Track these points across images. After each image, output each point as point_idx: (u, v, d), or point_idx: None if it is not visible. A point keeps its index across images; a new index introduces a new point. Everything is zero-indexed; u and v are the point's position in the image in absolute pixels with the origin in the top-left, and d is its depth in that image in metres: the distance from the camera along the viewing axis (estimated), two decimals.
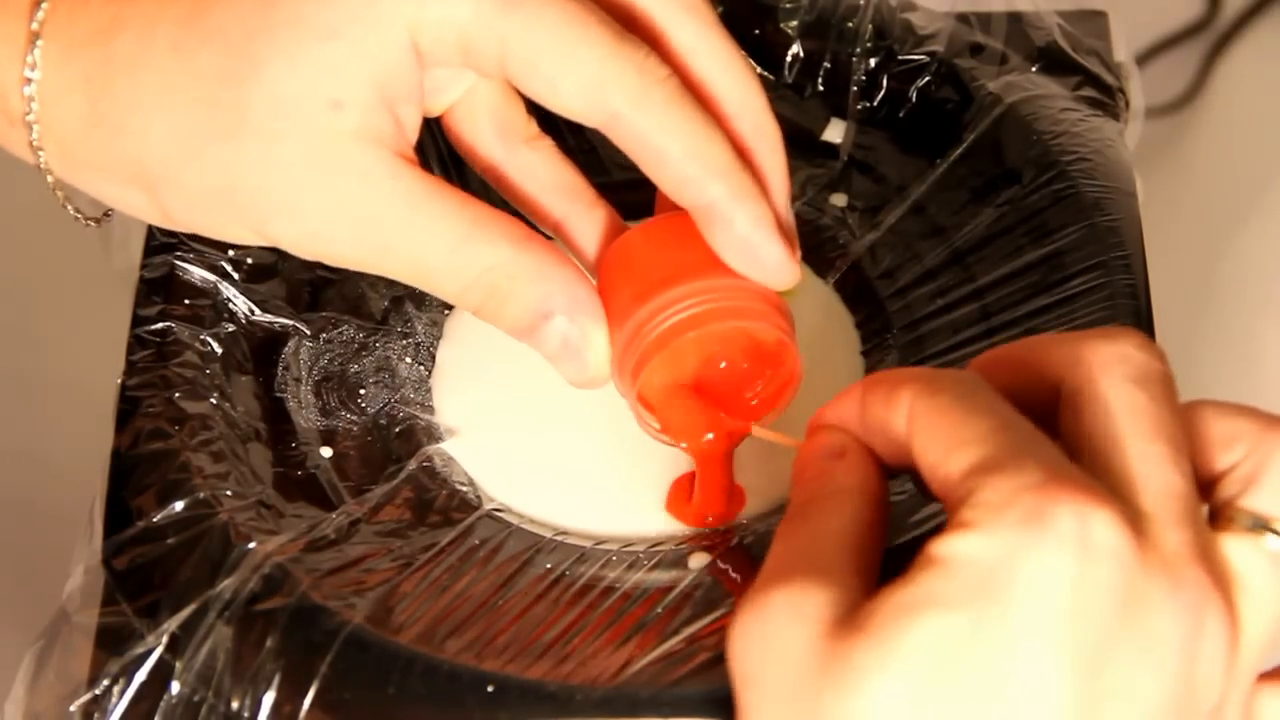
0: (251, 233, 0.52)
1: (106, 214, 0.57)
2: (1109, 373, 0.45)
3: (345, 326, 0.62)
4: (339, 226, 0.51)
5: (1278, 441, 0.44)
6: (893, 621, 0.42)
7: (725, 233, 0.51)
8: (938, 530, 0.43)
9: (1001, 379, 0.46)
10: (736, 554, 0.56)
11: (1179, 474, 0.43)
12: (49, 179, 0.53)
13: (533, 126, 0.56)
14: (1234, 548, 0.44)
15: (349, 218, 0.51)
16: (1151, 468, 0.43)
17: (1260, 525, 0.44)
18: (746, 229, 0.51)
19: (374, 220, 0.51)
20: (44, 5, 0.51)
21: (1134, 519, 0.42)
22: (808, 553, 0.45)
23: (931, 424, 0.45)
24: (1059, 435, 0.45)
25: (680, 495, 0.58)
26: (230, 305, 0.61)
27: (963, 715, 0.41)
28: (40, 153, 0.52)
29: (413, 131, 0.52)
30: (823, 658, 0.42)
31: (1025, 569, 0.41)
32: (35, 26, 0.51)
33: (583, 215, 0.55)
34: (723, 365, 0.55)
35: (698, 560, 0.56)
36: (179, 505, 0.55)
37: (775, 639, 0.43)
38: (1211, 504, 0.45)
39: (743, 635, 0.44)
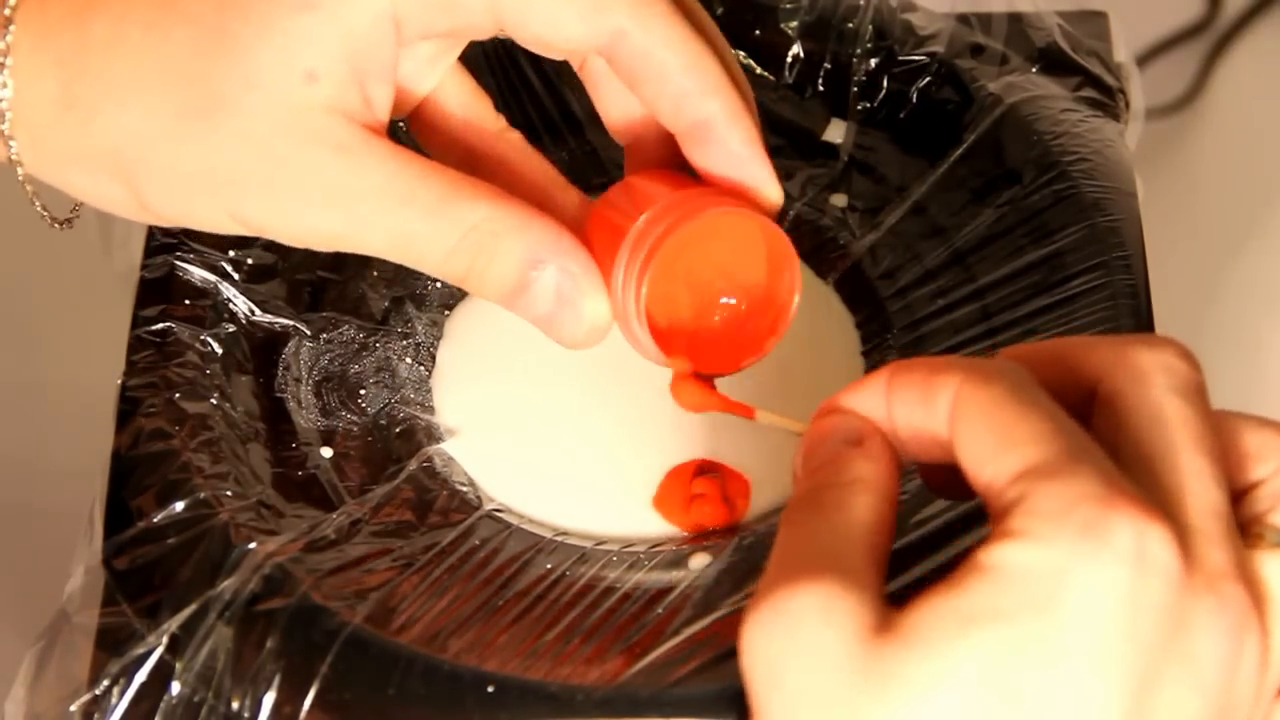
0: (228, 216, 0.51)
1: (72, 213, 0.56)
2: (1153, 381, 0.44)
3: (345, 327, 0.62)
4: (315, 200, 0.50)
5: None
6: (943, 633, 0.40)
7: (719, 149, 0.52)
8: (969, 533, 0.42)
9: (1034, 376, 0.45)
10: (738, 555, 0.56)
11: (1220, 490, 0.43)
12: (19, 172, 0.52)
13: (501, 120, 0.56)
14: (1265, 564, 0.43)
15: (325, 190, 0.50)
16: (1197, 483, 0.42)
17: None
18: (740, 145, 0.52)
19: (351, 190, 0.50)
20: None
21: (1180, 535, 0.41)
22: (831, 549, 0.43)
23: (981, 418, 0.44)
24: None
25: (670, 495, 0.58)
26: (230, 305, 0.61)
27: None
28: (12, 142, 0.51)
29: (384, 111, 0.51)
30: (862, 666, 0.41)
31: (1082, 583, 0.40)
32: (8, 12, 0.50)
33: (557, 200, 0.55)
34: (723, 301, 0.54)
35: (698, 561, 0.56)
36: (179, 506, 0.55)
37: (805, 643, 0.42)
38: (1241, 518, 0.44)
39: (764, 635, 0.42)
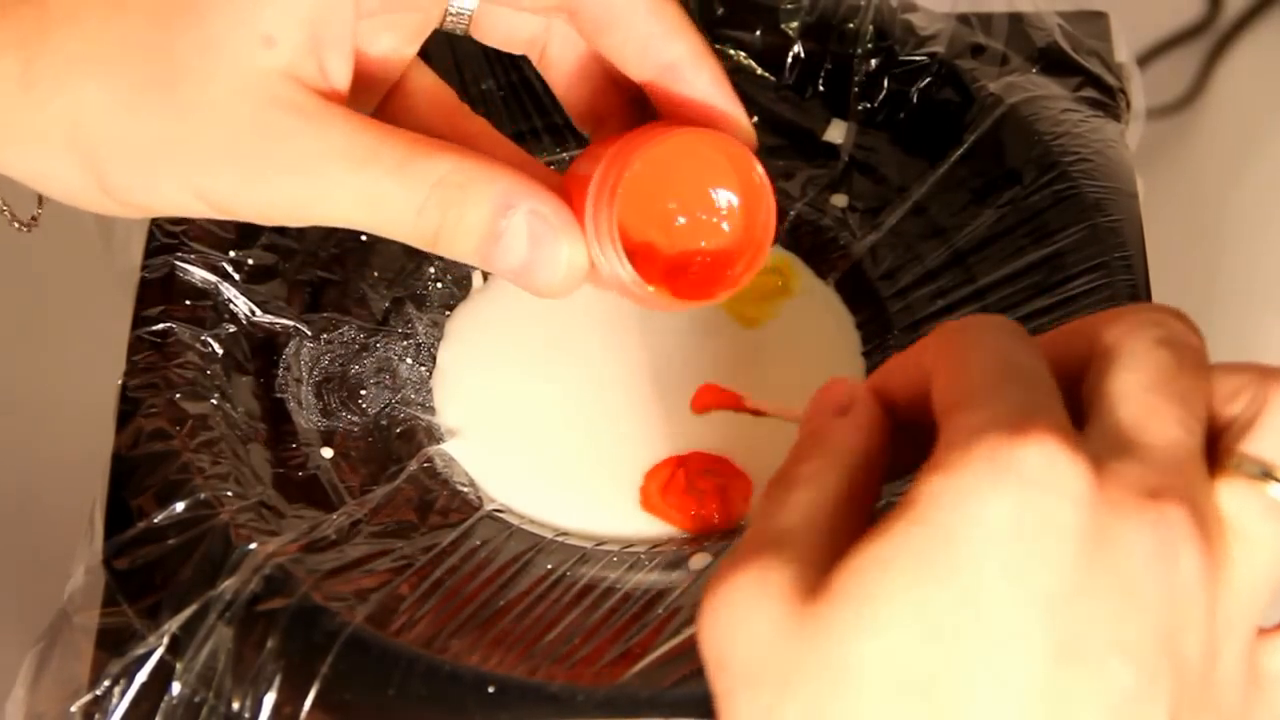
0: (191, 193, 0.50)
1: (35, 215, 0.56)
2: (1140, 334, 0.44)
3: (346, 327, 0.62)
4: (278, 166, 0.49)
5: (1275, 387, 0.44)
6: (865, 581, 0.41)
7: (688, 90, 0.52)
8: None
9: (1049, 352, 0.45)
10: None
11: (1182, 429, 0.42)
12: None
13: (466, 108, 0.55)
14: (1230, 494, 0.42)
15: (287, 153, 0.49)
16: (1154, 419, 0.42)
17: (1263, 473, 0.42)
18: (709, 84, 0.52)
19: (313, 153, 0.49)
20: None
21: (1117, 464, 0.41)
22: (782, 528, 0.43)
23: (947, 356, 0.44)
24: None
25: (651, 494, 0.58)
26: (231, 306, 0.61)
27: (941, 668, 0.40)
28: None
29: (341, 83, 0.50)
30: (793, 630, 0.41)
31: (984, 510, 0.40)
32: None
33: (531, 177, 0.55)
34: (698, 233, 0.52)
35: (698, 561, 0.56)
36: (180, 506, 0.55)
37: (742, 620, 0.42)
38: (1215, 454, 0.43)
39: (710, 620, 0.43)
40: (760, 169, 0.51)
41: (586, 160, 0.52)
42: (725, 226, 0.51)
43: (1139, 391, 0.43)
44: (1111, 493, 0.41)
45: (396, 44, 0.53)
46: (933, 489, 0.41)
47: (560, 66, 0.55)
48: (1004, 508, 0.40)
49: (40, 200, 0.56)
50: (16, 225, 0.55)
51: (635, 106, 0.54)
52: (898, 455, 0.46)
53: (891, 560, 0.40)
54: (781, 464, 0.46)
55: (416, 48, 0.54)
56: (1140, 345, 0.43)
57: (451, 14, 0.54)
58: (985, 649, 0.40)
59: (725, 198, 0.52)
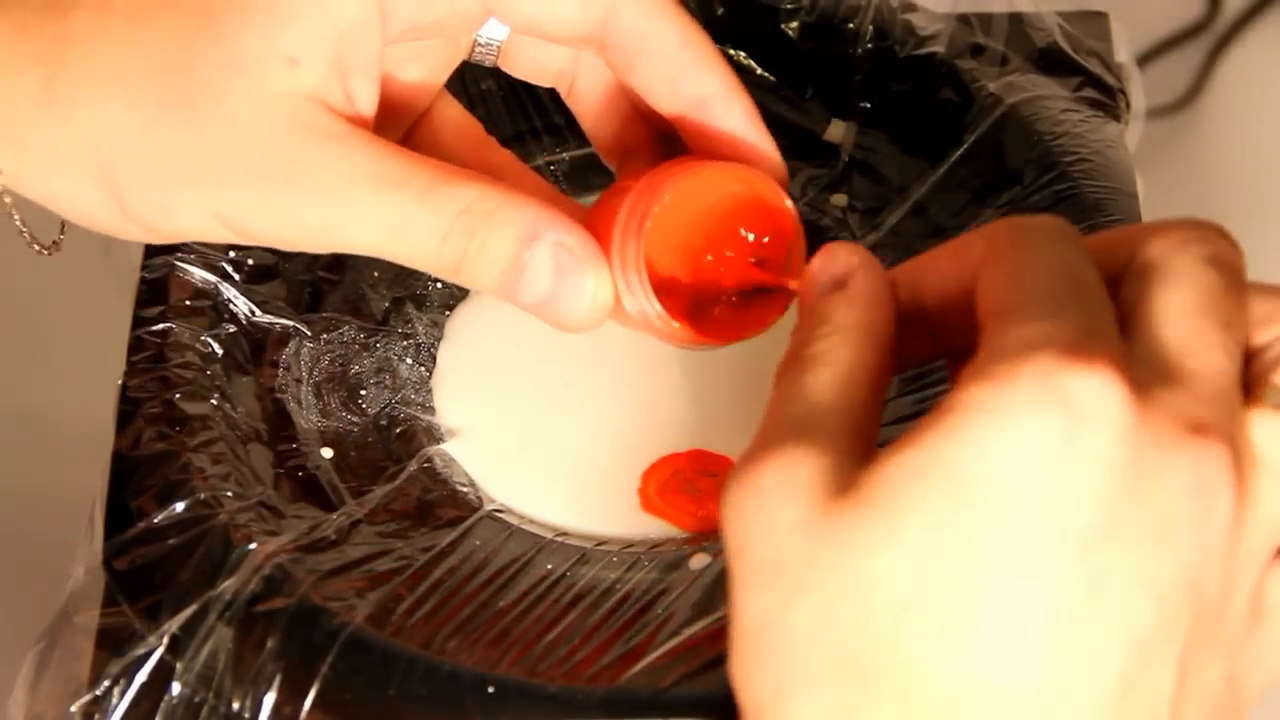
0: (212, 215, 0.49)
1: (60, 237, 0.55)
2: (1187, 250, 0.43)
3: (346, 327, 0.62)
4: (301, 189, 0.48)
5: None
6: (896, 489, 0.40)
7: (719, 125, 0.51)
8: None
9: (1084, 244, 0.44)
10: None
11: (1226, 357, 0.41)
12: None
13: (493, 140, 0.55)
14: (1262, 427, 0.42)
15: (310, 177, 0.48)
16: (1200, 344, 0.41)
17: None
18: (740, 120, 0.51)
19: (338, 176, 0.48)
20: None
21: (1161, 392, 0.40)
22: (798, 413, 0.42)
23: (1002, 258, 0.42)
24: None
25: (648, 494, 0.58)
26: (231, 306, 0.61)
27: (961, 590, 0.39)
28: None
29: (367, 109, 0.50)
30: (817, 531, 0.40)
31: (1026, 434, 0.39)
32: None
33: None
34: (726, 254, 0.51)
35: (698, 561, 0.56)
36: (179, 506, 0.55)
37: (765, 511, 0.41)
38: (1244, 381, 0.42)
39: (732, 507, 0.42)
40: (792, 207, 0.50)
41: (613, 194, 0.51)
42: (754, 263, 0.51)
43: (1185, 313, 0.42)
44: (1155, 423, 0.40)
45: (424, 74, 0.53)
46: (975, 399, 0.40)
47: (588, 100, 0.54)
48: (1049, 434, 0.39)
49: (63, 225, 0.54)
50: (37, 248, 0.54)
51: (663, 141, 0.53)
52: (908, 344, 0.45)
53: (923, 472, 0.40)
54: (789, 346, 0.45)
55: (444, 78, 0.54)
56: (1186, 262, 0.42)
57: (480, 45, 0.53)
58: (1011, 576, 0.39)
59: (755, 235, 0.51)
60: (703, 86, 0.51)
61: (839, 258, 0.46)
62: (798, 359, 0.44)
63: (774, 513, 0.41)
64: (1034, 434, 0.39)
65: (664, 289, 0.50)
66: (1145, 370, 0.41)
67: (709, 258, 0.51)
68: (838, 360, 0.43)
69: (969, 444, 0.39)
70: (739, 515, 0.42)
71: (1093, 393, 0.39)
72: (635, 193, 0.50)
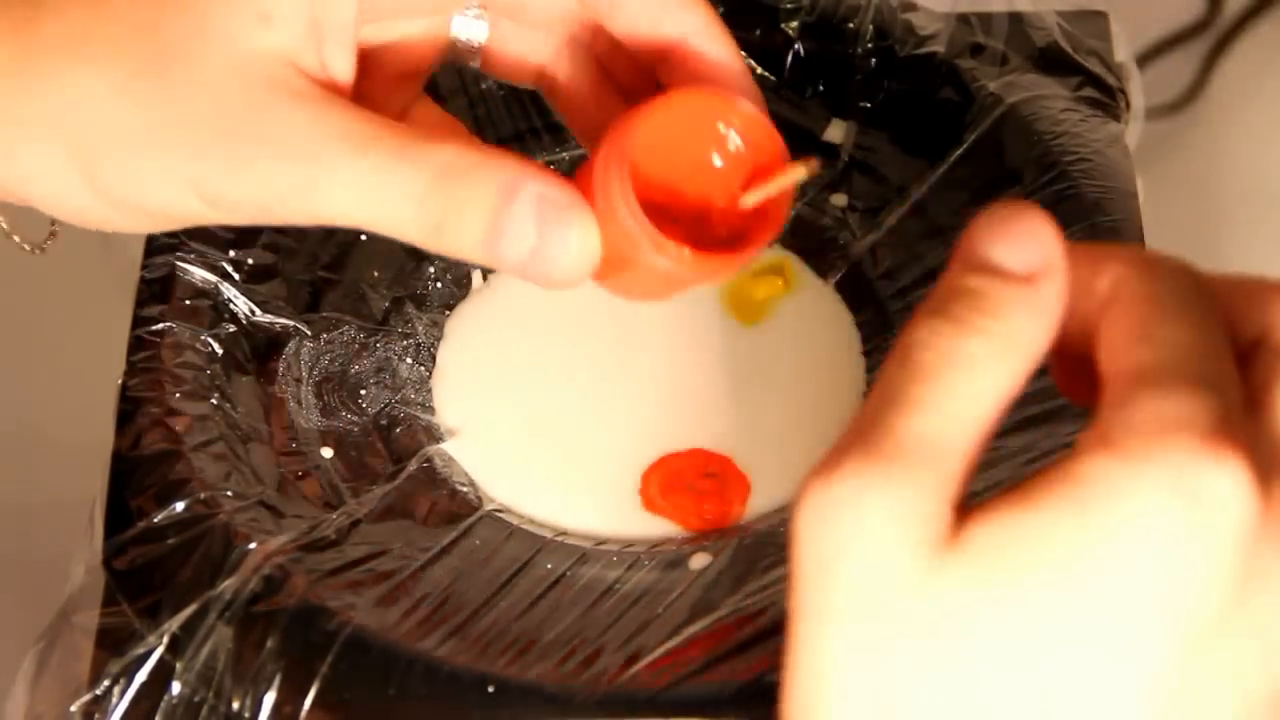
0: (184, 183, 0.48)
1: (53, 232, 0.55)
2: None
3: (346, 327, 0.62)
4: (273, 150, 0.47)
5: None
6: (1001, 546, 0.37)
7: (701, 63, 0.50)
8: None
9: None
10: (738, 555, 0.56)
11: None
12: None
13: (475, 138, 0.54)
14: None
15: (282, 137, 0.47)
16: None
17: None
18: (721, 55, 0.50)
19: (310, 136, 0.47)
20: None
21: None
22: (928, 434, 0.38)
23: (1133, 306, 0.39)
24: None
25: (650, 492, 0.58)
26: (231, 306, 0.61)
27: (1056, 668, 0.38)
28: None
29: (341, 78, 0.49)
30: (921, 581, 0.38)
31: (1153, 522, 0.37)
32: None
33: None
34: (715, 163, 0.49)
35: (698, 561, 0.56)
36: (179, 506, 0.55)
37: (863, 536, 0.37)
38: None
39: (827, 517, 0.38)
40: (775, 135, 0.49)
41: (591, 157, 0.51)
42: (737, 192, 0.48)
43: None
44: (1275, 520, 0.38)
45: (403, 69, 0.53)
46: (1105, 475, 0.37)
47: (571, 97, 0.54)
48: (1175, 526, 0.37)
49: (53, 225, 0.54)
50: (27, 248, 0.54)
51: None
52: None
53: (1040, 540, 0.37)
54: (923, 315, 0.39)
55: (425, 73, 0.53)
56: None
57: (462, 43, 0.53)
58: (1108, 666, 0.38)
59: (736, 147, 0.49)
60: (686, 23, 0.50)
61: (1039, 234, 0.40)
62: (952, 344, 0.38)
63: (873, 542, 0.38)
64: (1162, 525, 0.37)
65: (656, 220, 0.47)
66: (1270, 460, 0.39)
67: (696, 181, 0.48)
68: (995, 374, 0.38)
69: (1092, 527, 0.37)
70: (829, 526, 0.38)
71: (1225, 489, 0.37)
72: (609, 137, 0.48)
